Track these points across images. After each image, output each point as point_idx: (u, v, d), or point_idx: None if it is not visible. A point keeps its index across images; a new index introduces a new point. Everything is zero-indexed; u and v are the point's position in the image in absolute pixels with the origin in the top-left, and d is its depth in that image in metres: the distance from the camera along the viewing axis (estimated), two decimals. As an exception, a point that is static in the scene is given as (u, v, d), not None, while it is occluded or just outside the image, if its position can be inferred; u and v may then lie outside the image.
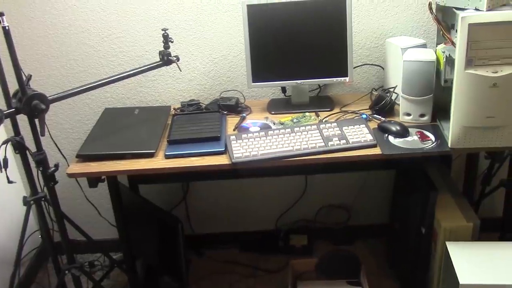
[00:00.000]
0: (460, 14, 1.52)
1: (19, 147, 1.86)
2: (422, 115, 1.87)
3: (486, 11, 1.53)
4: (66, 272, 1.96)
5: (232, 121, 2.03)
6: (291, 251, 2.50)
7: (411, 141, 1.76)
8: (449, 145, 1.69)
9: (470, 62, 1.56)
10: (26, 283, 2.43)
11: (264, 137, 1.82)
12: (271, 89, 2.28)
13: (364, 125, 1.85)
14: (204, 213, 2.58)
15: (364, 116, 1.96)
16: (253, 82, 2.08)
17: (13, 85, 1.70)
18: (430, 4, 1.80)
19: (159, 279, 2.38)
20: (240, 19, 2.02)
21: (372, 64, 2.22)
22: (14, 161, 2.30)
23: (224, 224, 2.61)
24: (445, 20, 1.79)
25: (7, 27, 1.54)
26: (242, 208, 2.58)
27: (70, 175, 1.76)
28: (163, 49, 1.99)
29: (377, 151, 1.73)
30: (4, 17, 1.53)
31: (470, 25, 1.51)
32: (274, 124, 1.97)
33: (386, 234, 2.48)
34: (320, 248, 2.52)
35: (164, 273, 2.33)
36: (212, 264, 2.52)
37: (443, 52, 1.75)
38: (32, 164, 1.85)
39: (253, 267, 2.47)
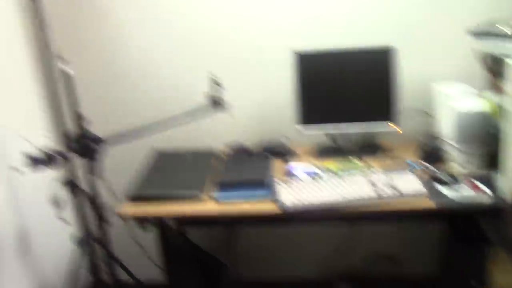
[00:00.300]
0: (510, 62, 1.50)
1: (73, 187, 1.93)
2: (473, 166, 1.83)
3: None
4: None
5: (279, 165, 2.05)
6: (336, 300, 2.45)
7: (463, 192, 1.72)
8: (505, 198, 1.64)
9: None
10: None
11: (313, 184, 1.82)
12: (318, 134, 2.29)
13: (414, 174, 1.83)
14: (250, 259, 2.57)
15: (413, 164, 1.93)
16: (300, 127, 2.10)
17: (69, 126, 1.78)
18: (480, 52, 1.79)
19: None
20: (288, 65, 2.07)
21: (419, 111, 2.20)
22: (68, 200, 2.37)
23: (269, 270, 2.59)
24: (495, 68, 1.77)
25: (72, 74, 1.63)
26: (288, 255, 2.55)
27: (121, 217, 1.80)
28: (212, 93, 2.03)
29: (428, 201, 1.69)
30: (69, 65, 1.62)
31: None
32: (321, 170, 1.97)
33: (435, 286, 2.39)
34: (366, 299, 2.46)
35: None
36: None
37: (496, 102, 1.73)
38: (85, 204, 1.91)
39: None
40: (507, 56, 1.62)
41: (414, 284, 2.49)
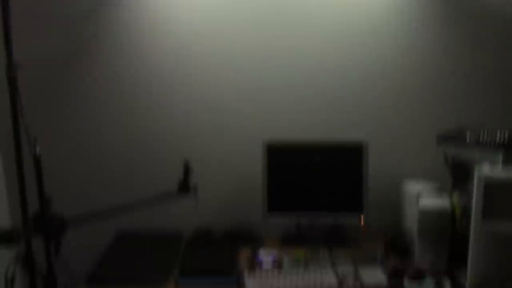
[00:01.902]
0: (477, 173, 1.56)
1: (28, 266, 1.84)
2: (437, 261, 1.86)
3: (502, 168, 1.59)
4: None
5: (245, 252, 2.02)
6: None
7: (426, 287, 1.73)
8: (466, 294, 1.66)
9: (487, 217, 1.58)
10: None
11: (277, 275, 1.80)
12: (286, 223, 2.28)
13: (378, 267, 1.84)
14: None
15: (379, 256, 1.94)
16: (267, 215, 2.10)
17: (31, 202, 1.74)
18: (446, 157, 1.87)
19: None
20: (259, 154, 2.09)
21: (387, 206, 2.24)
22: (19, 278, 2.26)
23: None
24: (460, 170, 1.85)
25: (39, 156, 1.60)
26: None
27: (78, 301, 1.72)
28: (181, 177, 2.03)
29: (391, 297, 1.70)
30: (37, 146, 1.59)
31: (486, 183, 1.55)
32: (287, 259, 1.95)
33: None
34: None
35: None
36: None
37: (459, 200, 1.79)
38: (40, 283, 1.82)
39: None
40: (472, 161, 1.70)
41: None
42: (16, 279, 1.81)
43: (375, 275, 1.78)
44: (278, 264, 1.90)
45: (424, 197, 1.90)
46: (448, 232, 1.83)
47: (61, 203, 2.27)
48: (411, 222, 1.98)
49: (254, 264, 1.92)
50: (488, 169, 1.59)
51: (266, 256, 1.97)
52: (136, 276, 1.79)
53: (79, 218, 1.80)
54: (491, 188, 1.55)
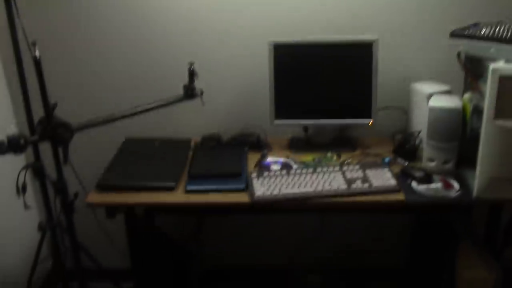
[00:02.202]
0: (491, 66, 1.51)
1: (38, 173, 1.87)
2: (446, 162, 1.85)
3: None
4: (77, 303, 1.93)
5: (252, 157, 2.02)
6: (304, 291, 2.46)
7: (435, 188, 1.73)
8: (475, 195, 1.66)
9: (499, 114, 1.54)
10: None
11: (286, 176, 1.81)
12: (293, 127, 2.27)
13: (387, 169, 1.83)
14: (217, 247, 2.55)
15: (387, 159, 1.94)
16: (275, 119, 2.08)
17: (36, 110, 1.72)
18: (459, 53, 1.80)
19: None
20: (265, 56, 2.02)
21: (395, 108, 2.21)
22: (31, 186, 2.30)
23: (236, 259, 2.57)
24: (473, 69, 1.79)
25: (38, 58, 1.56)
26: (256, 244, 2.54)
27: (89, 205, 1.75)
28: (187, 82, 2.00)
29: (400, 196, 1.70)
30: (36, 47, 1.55)
31: (501, 77, 1.50)
32: (295, 163, 1.95)
33: (402, 279, 2.42)
34: (334, 290, 2.48)
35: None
36: (223, 300, 2.48)
37: (470, 101, 1.75)
38: (49, 190, 1.85)
39: (264, 305, 2.43)
40: (486, 57, 1.64)
41: (383, 277, 2.52)
42: (27, 186, 1.84)
43: (383, 177, 1.78)
44: (286, 168, 1.90)
45: (433, 96, 1.85)
46: (458, 133, 1.79)
47: (66, 110, 2.28)
48: (420, 124, 1.95)
49: (262, 168, 1.92)
50: (503, 65, 1.53)
51: (274, 160, 1.97)
52: (145, 182, 1.80)
53: (85, 124, 1.79)
54: (505, 83, 1.50)
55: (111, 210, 1.80)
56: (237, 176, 1.83)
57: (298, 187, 1.74)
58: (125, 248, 2.14)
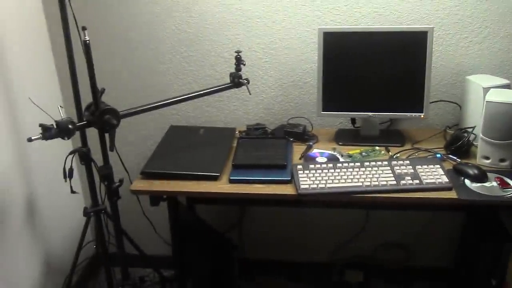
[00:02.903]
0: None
1: (85, 158, 1.88)
2: (502, 160, 1.76)
3: None
4: (120, 288, 1.95)
5: (298, 149, 1.98)
6: (345, 287, 2.41)
7: (490, 187, 1.65)
8: (533, 195, 1.58)
9: None
10: (77, 292, 2.44)
11: (332, 169, 1.75)
12: (340, 119, 2.21)
13: (439, 166, 1.75)
14: (258, 238, 2.53)
15: (438, 155, 1.86)
16: (322, 111, 2.02)
17: (83, 97, 1.73)
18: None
19: (208, 303, 2.33)
20: (314, 46, 1.97)
21: (449, 101, 2.12)
22: (77, 171, 2.34)
23: (277, 251, 2.55)
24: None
25: (88, 42, 1.56)
26: (298, 237, 2.51)
27: (134, 192, 1.75)
28: (234, 70, 1.97)
29: (452, 195, 1.62)
30: (86, 32, 1.55)
31: None
32: (342, 156, 1.90)
33: (449, 279, 2.34)
34: (376, 287, 2.41)
35: (214, 297, 2.28)
36: (262, 291, 2.46)
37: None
38: (95, 176, 1.87)
39: (303, 299, 2.40)
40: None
41: (428, 276, 2.44)
42: (73, 171, 1.85)
43: (434, 174, 1.71)
44: (332, 161, 1.84)
45: (490, 90, 1.76)
46: (517, 128, 1.71)
47: (114, 97, 2.30)
48: (475, 119, 1.86)
49: (307, 160, 1.88)
50: None
51: (320, 152, 1.93)
52: (190, 170, 1.78)
53: (132, 111, 1.79)
54: None
55: (155, 198, 1.79)
56: (282, 167, 1.80)
57: (345, 181, 1.69)
58: (168, 236, 2.15)
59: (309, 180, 1.70)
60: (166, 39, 2.19)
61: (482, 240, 1.90)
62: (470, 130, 1.86)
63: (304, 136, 2.06)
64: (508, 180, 1.68)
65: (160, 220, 2.43)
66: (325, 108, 2.02)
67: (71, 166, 1.82)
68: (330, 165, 1.78)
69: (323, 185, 1.66)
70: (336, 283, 2.43)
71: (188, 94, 1.92)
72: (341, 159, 1.87)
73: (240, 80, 1.97)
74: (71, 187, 1.85)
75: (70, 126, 1.59)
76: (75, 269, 2.07)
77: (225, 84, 1.98)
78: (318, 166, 1.78)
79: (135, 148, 2.39)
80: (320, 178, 1.70)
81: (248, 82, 1.98)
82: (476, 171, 1.70)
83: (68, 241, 2.36)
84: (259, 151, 1.91)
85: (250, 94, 2.12)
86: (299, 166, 1.78)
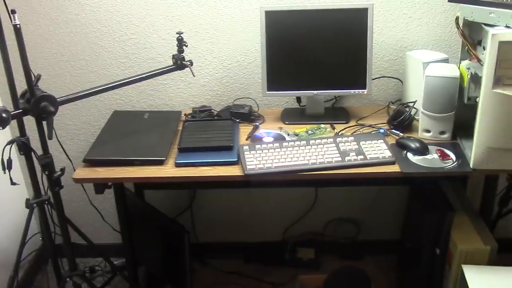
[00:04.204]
0: (491, 31, 1.46)
1: (24, 148, 1.81)
2: (442, 133, 1.81)
3: (518, 28, 1.48)
4: (68, 279, 1.90)
5: (244, 129, 1.97)
6: (297, 264, 2.44)
7: (431, 160, 1.70)
8: (471, 165, 1.63)
9: (498, 81, 1.49)
10: (25, 286, 2.37)
11: (279, 148, 1.76)
12: (285, 98, 2.22)
13: (382, 141, 1.79)
14: (209, 221, 2.52)
15: (382, 131, 1.89)
16: (267, 91, 2.01)
17: (20, 84, 1.65)
18: (457, 18, 1.74)
19: (162, 288, 2.32)
20: (257, 25, 1.95)
21: (391, 77, 2.16)
22: (17, 162, 2.25)
23: (229, 234, 2.55)
24: (471, 36, 1.73)
25: (18, 25, 1.48)
26: (248, 218, 2.51)
27: (77, 181, 1.70)
28: (176, 52, 1.93)
29: (395, 168, 1.66)
30: (16, 15, 1.47)
31: (500, 43, 1.45)
32: (288, 135, 1.91)
33: (397, 251, 2.41)
34: (327, 263, 2.46)
35: (167, 282, 2.27)
36: (216, 274, 2.45)
37: (468, 69, 1.69)
38: (36, 166, 1.80)
39: (257, 279, 2.41)
40: (485, 23, 1.58)
41: (377, 249, 2.51)
42: (12, 162, 1.78)
43: (378, 149, 1.74)
44: (279, 141, 1.85)
45: (430, 65, 1.80)
46: (455, 102, 1.75)
47: (52, 83, 2.21)
48: (416, 93, 1.90)
49: (254, 140, 1.87)
50: (503, 30, 1.48)
51: (266, 132, 1.93)
52: (134, 156, 1.75)
53: (71, 97, 1.73)
54: (505, 49, 1.44)
55: (100, 185, 1.75)
56: (229, 148, 1.79)
57: (292, 160, 1.69)
58: (116, 223, 2.11)
59: (256, 160, 1.69)
60: (104, 21, 2.11)
61: (426, 210, 1.95)
62: (411, 104, 1.91)
63: (250, 117, 2.05)
64: (448, 152, 1.73)
65: (108, 207, 2.39)
66: (270, 88, 2.01)
67: (9, 157, 1.75)
68: (277, 144, 1.78)
69: (270, 165, 1.67)
70: (289, 261, 2.46)
71: (130, 77, 1.87)
72: (288, 138, 1.88)
73: (183, 62, 1.94)
74: (10, 178, 1.78)
75: (4, 115, 1.52)
76: (21, 263, 2.00)
77: (168, 67, 1.94)
78: (265, 146, 1.77)
79: (78, 135, 2.32)
80: (266, 158, 1.70)
81: (192, 64, 1.95)
82: (417, 144, 1.74)
83: (11, 235, 2.28)
84: (205, 134, 1.89)
85: (194, 76, 2.08)
86: (246, 147, 1.77)
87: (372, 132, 1.90)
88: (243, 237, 2.55)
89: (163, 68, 1.93)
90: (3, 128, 1.53)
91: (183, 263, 2.02)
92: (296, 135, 1.91)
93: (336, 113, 2.09)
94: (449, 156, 1.71)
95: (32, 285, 2.43)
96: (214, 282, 2.41)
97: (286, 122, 2.03)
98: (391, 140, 1.83)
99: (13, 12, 1.48)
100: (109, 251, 2.38)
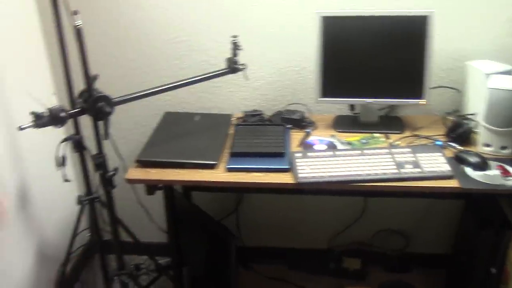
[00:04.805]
0: None
1: (78, 146, 1.84)
2: (503, 148, 1.73)
3: None
4: (115, 278, 1.92)
5: (296, 136, 1.95)
6: (342, 274, 2.40)
7: (492, 176, 1.62)
8: (535, 183, 1.56)
9: None
10: (72, 280, 2.41)
11: (332, 157, 1.72)
12: (338, 105, 2.17)
13: (440, 153, 1.73)
14: (254, 225, 2.50)
15: (439, 143, 1.83)
16: (321, 97, 1.98)
17: (77, 84, 1.67)
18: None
19: (205, 291, 2.32)
20: (313, 31, 1.92)
21: (448, 87, 2.08)
22: (70, 159, 2.29)
23: (274, 238, 2.53)
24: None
25: (80, 26, 1.50)
26: (294, 223, 2.48)
27: (129, 181, 1.71)
28: (230, 56, 1.92)
29: (454, 183, 1.60)
30: (77, 16, 1.49)
31: None
32: (341, 143, 1.87)
33: (447, 266, 2.33)
34: (373, 274, 2.40)
35: (211, 285, 2.26)
36: (259, 279, 2.43)
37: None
38: (89, 164, 1.83)
39: (301, 287, 2.38)
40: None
41: (424, 262, 2.43)
42: (66, 159, 1.81)
43: (435, 162, 1.68)
44: (331, 149, 1.81)
45: (492, 76, 1.73)
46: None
47: (108, 84, 2.24)
48: (476, 105, 1.83)
49: (306, 147, 1.85)
50: None
51: (318, 140, 1.89)
52: (186, 159, 1.75)
53: (127, 97, 1.74)
54: None
55: (151, 187, 1.76)
56: (281, 155, 1.76)
57: (345, 169, 1.65)
58: (164, 223, 2.12)
59: (308, 168, 1.67)
60: (158, 22, 2.12)
61: (482, 227, 1.88)
62: (471, 117, 1.83)
63: (302, 123, 2.02)
64: (510, 168, 1.66)
65: (156, 207, 2.40)
66: (323, 94, 1.98)
67: (64, 154, 1.78)
68: (330, 152, 1.75)
69: (323, 174, 1.64)
70: (334, 270, 2.42)
71: (183, 80, 1.87)
72: (340, 146, 1.84)
73: (237, 65, 1.93)
74: (64, 175, 1.81)
75: (62, 114, 1.54)
76: (69, 257, 2.04)
77: (221, 70, 1.93)
78: (317, 154, 1.74)
79: (129, 134, 2.35)
80: (319, 167, 1.67)
81: (245, 68, 1.94)
82: (477, 159, 1.68)
83: (62, 230, 2.32)
84: (257, 139, 1.87)
85: (247, 80, 2.07)
86: (298, 154, 1.74)
87: (429, 144, 1.84)
88: (288, 242, 2.52)
89: (216, 71, 1.93)
90: (60, 126, 1.56)
91: (228, 268, 2.02)
92: (349, 143, 1.87)
93: (391, 122, 2.04)
94: (511, 172, 1.64)
95: (78, 279, 2.47)
96: (257, 287, 2.39)
97: (338, 130, 1.99)
98: (449, 153, 1.76)
99: (76, 13, 1.50)
100: (155, 250, 2.40)
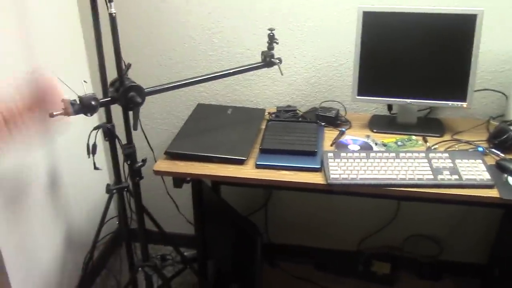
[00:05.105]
0: None
1: (109, 135, 1.83)
2: (550, 157, 1.64)
3: None
4: (140, 269, 1.91)
5: (329, 134, 1.88)
6: (370, 278, 2.33)
7: (534, 186, 1.53)
8: None
9: None
10: (98, 267, 2.43)
11: (365, 159, 1.66)
12: (375, 104, 2.10)
13: (480, 160, 1.63)
14: (282, 222, 2.46)
15: (480, 149, 1.74)
16: (357, 95, 1.91)
17: (111, 72, 1.66)
18: None
19: (229, 286, 2.29)
20: (352, 26, 1.85)
21: (494, 90, 1.98)
22: (101, 148, 2.30)
23: (302, 237, 2.48)
24: None
25: (114, 14, 1.48)
26: (323, 223, 2.42)
27: (157, 173, 1.69)
28: (266, 49, 1.87)
29: (494, 193, 1.51)
30: (112, 3, 1.47)
31: None
32: (376, 144, 1.80)
33: (481, 276, 2.24)
34: (403, 280, 2.33)
35: (234, 281, 2.24)
36: (285, 278, 2.39)
37: None
38: (119, 153, 1.82)
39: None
40: None
41: (457, 271, 2.34)
42: (97, 147, 1.81)
43: (475, 169, 1.59)
44: (365, 150, 1.74)
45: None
46: None
47: (141, 73, 2.23)
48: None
49: (339, 147, 1.78)
50: None
51: (353, 139, 1.83)
52: (215, 153, 1.71)
53: (158, 88, 1.72)
54: None
55: (178, 179, 1.73)
56: (312, 154, 1.71)
57: (379, 172, 1.59)
58: (191, 215, 2.10)
59: (340, 169, 1.61)
60: (195, 13, 2.09)
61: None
62: (516, 123, 1.74)
63: (337, 121, 1.96)
64: (556, 180, 1.56)
65: (184, 198, 2.39)
66: (360, 93, 1.91)
67: (94, 142, 1.77)
68: (363, 154, 1.68)
69: (355, 176, 1.57)
70: (362, 273, 2.35)
71: (217, 72, 1.83)
72: (375, 148, 1.77)
73: (272, 59, 1.87)
74: (94, 163, 1.81)
75: (93, 102, 1.53)
76: (97, 244, 2.05)
77: (256, 63, 1.89)
78: (350, 154, 1.68)
79: (161, 124, 2.33)
80: (351, 168, 1.61)
81: (280, 62, 1.89)
82: (521, 168, 1.58)
83: (90, 217, 2.34)
84: (289, 135, 1.82)
85: (282, 74, 2.02)
86: (330, 154, 1.69)
87: (470, 150, 1.75)
88: (316, 242, 2.47)
89: (251, 64, 1.88)
90: (91, 114, 1.54)
91: (253, 265, 1.98)
92: (385, 145, 1.79)
93: (430, 125, 1.95)
94: (557, 185, 1.54)
95: (105, 267, 2.49)
96: (282, 286, 2.35)
97: (374, 130, 1.92)
98: (490, 161, 1.67)
99: (110, 0, 1.48)
100: (181, 241, 2.40)
